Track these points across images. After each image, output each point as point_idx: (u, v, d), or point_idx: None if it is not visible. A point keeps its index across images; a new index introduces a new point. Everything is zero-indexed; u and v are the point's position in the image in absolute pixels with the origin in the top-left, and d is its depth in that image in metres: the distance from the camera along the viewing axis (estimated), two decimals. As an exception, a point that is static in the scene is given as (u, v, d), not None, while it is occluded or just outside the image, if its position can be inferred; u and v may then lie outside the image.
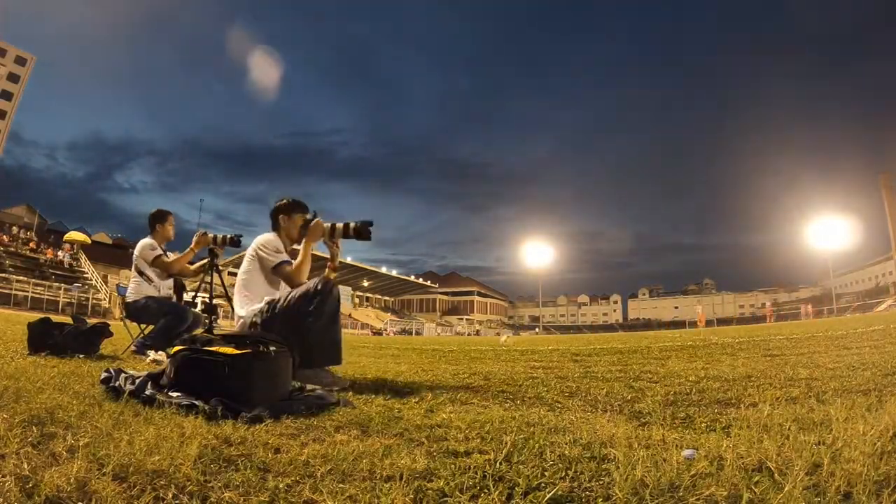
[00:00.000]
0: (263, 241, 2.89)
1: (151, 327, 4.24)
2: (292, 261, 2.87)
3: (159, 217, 4.45)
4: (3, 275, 25.75)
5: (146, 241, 4.30)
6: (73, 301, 25.89)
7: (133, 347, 4.10)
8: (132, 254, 4.37)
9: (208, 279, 4.07)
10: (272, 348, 1.94)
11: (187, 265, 4.38)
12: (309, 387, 2.48)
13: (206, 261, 4.20)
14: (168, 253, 4.44)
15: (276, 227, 3.01)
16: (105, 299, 28.23)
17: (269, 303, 2.73)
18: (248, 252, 2.92)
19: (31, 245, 35.17)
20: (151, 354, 3.81)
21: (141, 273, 4.20)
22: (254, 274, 2.87)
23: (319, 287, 2.60)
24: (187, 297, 4.54)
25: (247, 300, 2.83)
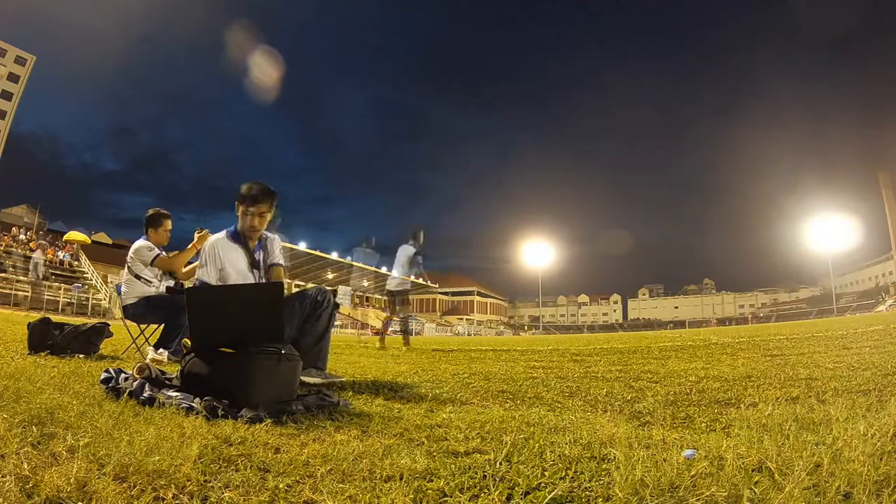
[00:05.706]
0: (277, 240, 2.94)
1: (153, 326, 4.22)
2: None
3: (153, 221, 4.22)
4: (3, 275, 25.74)
5: (142, 242, 4.13)
6: (73, 301, 25.89)
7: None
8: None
9: None
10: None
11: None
12: (309, 380, 2.49)
13: (196, 265, 4.13)
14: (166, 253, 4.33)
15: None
16: (105, 299, 28.22)
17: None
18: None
19: (32, 245, 35.15)
20: (151, 354, 3.80)
21: (138, 277, 4.06)
22: None
23: (323, 298, 2.68)
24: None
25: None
